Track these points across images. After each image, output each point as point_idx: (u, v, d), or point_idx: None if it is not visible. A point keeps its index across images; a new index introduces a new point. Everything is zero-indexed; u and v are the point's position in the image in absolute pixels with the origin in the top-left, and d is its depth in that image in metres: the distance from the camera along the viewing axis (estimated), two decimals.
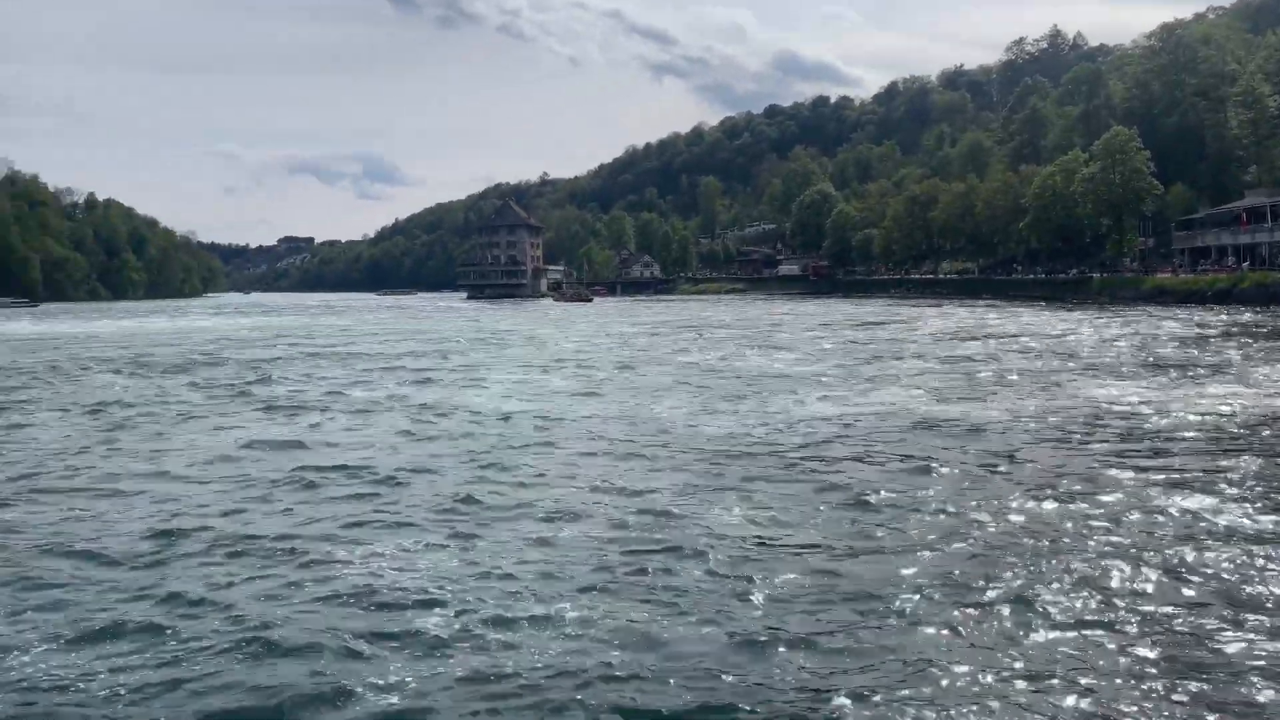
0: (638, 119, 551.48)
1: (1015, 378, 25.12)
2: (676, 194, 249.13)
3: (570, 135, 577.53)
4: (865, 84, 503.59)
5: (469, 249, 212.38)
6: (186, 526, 10.69)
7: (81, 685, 6.59)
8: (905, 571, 8.61)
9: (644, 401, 21.59)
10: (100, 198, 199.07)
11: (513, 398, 22.76)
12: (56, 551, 9.83)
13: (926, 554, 9.14)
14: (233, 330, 63.40)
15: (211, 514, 11.35)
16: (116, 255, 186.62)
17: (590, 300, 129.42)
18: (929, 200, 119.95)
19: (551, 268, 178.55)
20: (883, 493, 11.70)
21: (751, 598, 8.04)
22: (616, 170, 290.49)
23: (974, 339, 40.54)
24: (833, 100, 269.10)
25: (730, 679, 6.45)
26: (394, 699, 6.24)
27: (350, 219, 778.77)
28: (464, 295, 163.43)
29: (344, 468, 14.01)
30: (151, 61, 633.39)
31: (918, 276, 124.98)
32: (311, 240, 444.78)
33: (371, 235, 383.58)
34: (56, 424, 19.47)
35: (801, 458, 14.29)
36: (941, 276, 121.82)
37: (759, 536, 9.87)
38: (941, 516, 10.58)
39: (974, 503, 11.13)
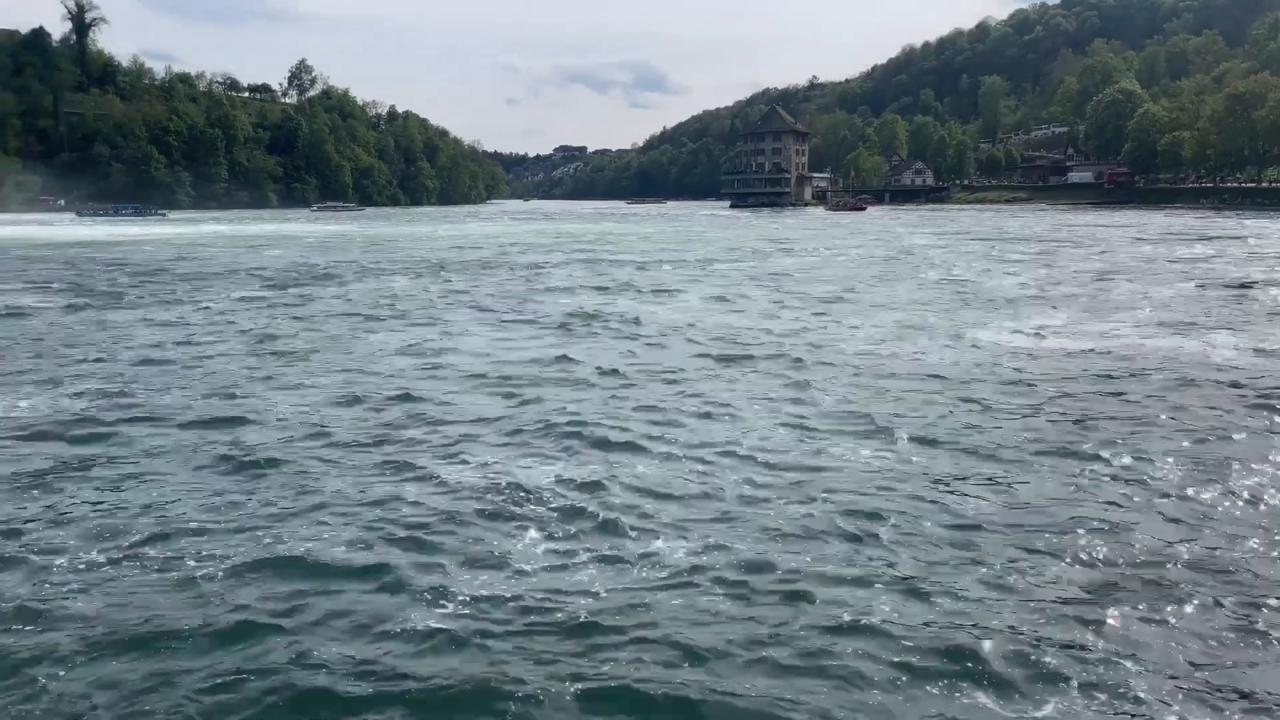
0: (916, 16, 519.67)
1: None
2: (955, 95, 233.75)
3: (842, 37, 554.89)
4: None
5: (733, 156, 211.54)
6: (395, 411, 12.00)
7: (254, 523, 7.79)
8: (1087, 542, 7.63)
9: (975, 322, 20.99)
10: (399, 110, 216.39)
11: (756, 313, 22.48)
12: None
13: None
14: (547, 235, 67.30)
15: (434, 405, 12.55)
16: (413, 163, 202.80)
17: (863, 209, 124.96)
18: (1255, 98, 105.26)
19: (816, 175, 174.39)
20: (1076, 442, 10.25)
21: (886, 540, 7.33)
22: (890, 72, 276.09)
23: None
24: None
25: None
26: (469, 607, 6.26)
27: (621, 127, 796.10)
28: (727, 204, 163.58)
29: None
30: None
31: (1235, 185, 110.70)
32: (584, 149, 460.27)
33: (640, 144, 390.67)
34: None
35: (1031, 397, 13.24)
36: (1266, 185, 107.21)
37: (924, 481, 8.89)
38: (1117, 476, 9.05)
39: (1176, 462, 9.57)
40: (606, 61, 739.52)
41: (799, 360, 14.96)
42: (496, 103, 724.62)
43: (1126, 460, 9.33)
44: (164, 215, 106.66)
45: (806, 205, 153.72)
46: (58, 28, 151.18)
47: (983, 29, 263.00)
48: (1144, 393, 12.39)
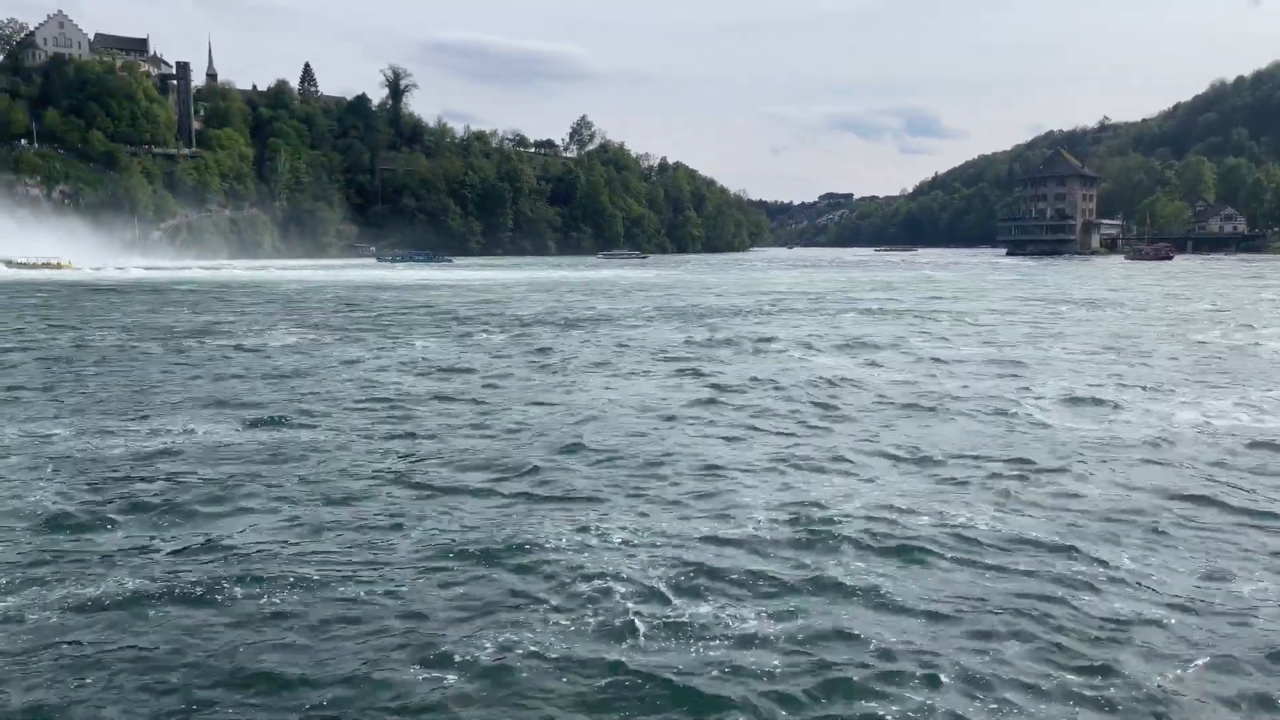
0: (1228, 48, 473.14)
1: None
2: (1275, 134, 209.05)
3: (1138, 74, 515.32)
4: None
5: (1011, 202, 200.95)
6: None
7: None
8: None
9: None
10: (670, 161, 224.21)
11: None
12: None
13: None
14: (834, 283, 67.34)
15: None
16: (680, 212, 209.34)
17: (1169, 259, 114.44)
18: None
19: (1105, 221, 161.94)
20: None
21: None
22: (1196, 109, 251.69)
23: None
24: None
25: None
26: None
27: (890, 174, 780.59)
28: (1003, 251, 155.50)
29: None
30: (706, 28, 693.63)
31: None
32: (850, 196, 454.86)
33: (910, 190, 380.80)
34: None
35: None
36: None
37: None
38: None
39: None
40: (877, 108, 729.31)
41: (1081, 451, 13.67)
42: (762, 151, 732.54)
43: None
44: (450, 261, 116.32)
45: (1093, 253, 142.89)
46: (376, 93, 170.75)
47: None
48: None
